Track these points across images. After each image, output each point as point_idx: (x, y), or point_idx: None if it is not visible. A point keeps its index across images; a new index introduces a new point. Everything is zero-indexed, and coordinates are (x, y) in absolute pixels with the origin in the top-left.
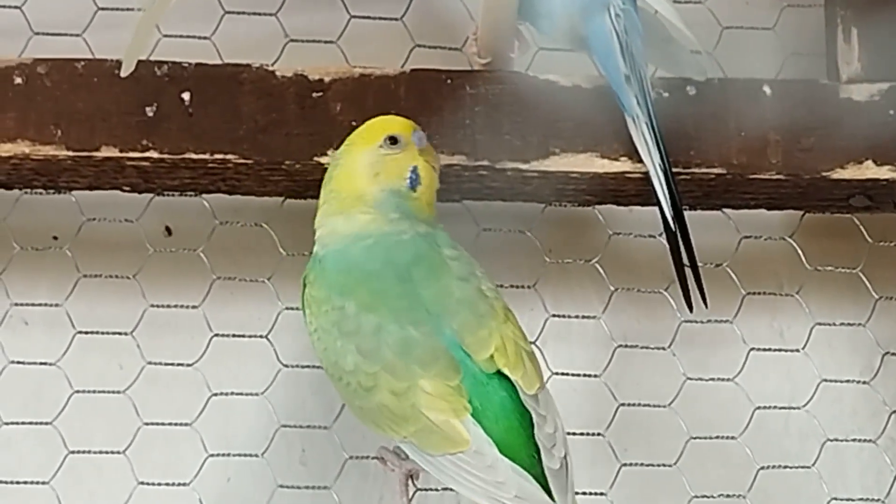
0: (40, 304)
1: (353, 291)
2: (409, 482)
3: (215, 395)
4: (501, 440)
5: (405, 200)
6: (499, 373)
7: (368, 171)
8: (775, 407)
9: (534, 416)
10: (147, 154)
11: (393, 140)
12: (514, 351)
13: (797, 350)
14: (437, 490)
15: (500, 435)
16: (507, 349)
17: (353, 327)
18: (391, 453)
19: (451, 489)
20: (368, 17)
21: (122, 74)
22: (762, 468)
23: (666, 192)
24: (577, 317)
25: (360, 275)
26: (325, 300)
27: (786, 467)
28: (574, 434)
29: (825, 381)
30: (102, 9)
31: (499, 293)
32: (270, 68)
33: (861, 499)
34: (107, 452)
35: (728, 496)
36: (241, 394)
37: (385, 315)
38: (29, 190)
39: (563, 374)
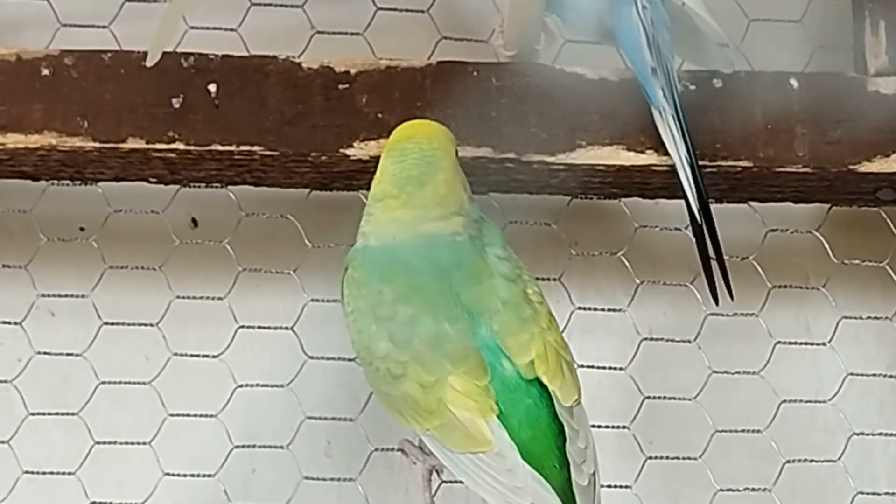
0: (67, 296)
1: (392, 280)
2: (433, 476)
3: (241, 386)
4: (525, 447)
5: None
6: (536, 380)
7: (460, 181)
8: (801, 400)
9: (567, 429)
10: (173, 145)
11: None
12: (555, 360)
13: (823, 343)
14: (462, 483)
15: (523, 441)
16: (549, 357)
17: (388, 313)
18: (415, 447)
19: None
20: (395, 9)
21: (148, 64)
22: (788, 462)
23: (692, 184)
24: (602, 309)
25: (401, 267)
26: (364, 283)
27: (812, 461)
28: (600, 427)
29: (851, 374)
30: (129, 0)
31: (544, 298)
32: (296, 60)
33: (887, 493)
34: (133, 443)
35: (754, 489)
36: (267, 385)
37: (420, 307)
38: (55, 181)
39: (588, 366)
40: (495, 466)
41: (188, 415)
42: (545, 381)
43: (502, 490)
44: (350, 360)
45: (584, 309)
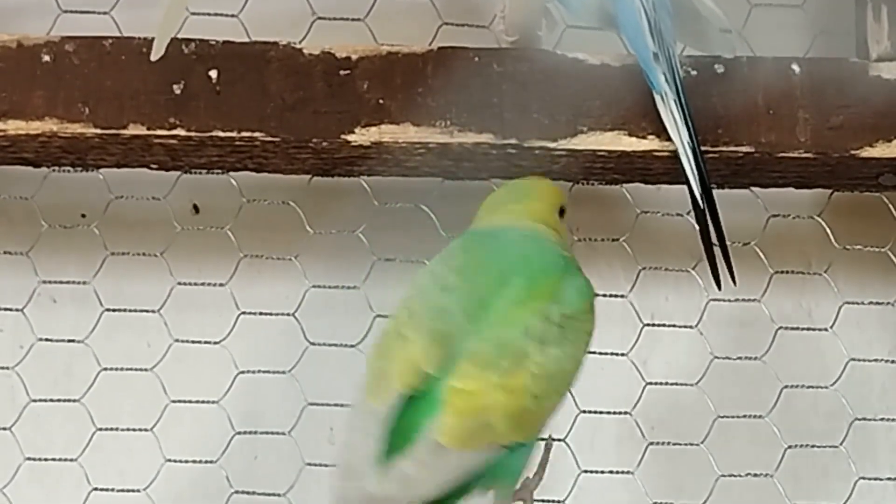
0: (68, 282)
1: (451, 258)
2: None
3: (242, 372)
4: (396, 442)
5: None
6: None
7: (551, 221)
8: (803, 386)
9: (410, 450)
10: (174, 132)
11: (562, 212)
12: (472, 421)
13: (825, 329)
14: None
15: (398, 438)
16: (459, 411)
17: (424, 288)
18: None
19: None
20: None
21: (153, 58)
22: (790, 447)
23: (694, 170)
24: (604, 295)
25: (470, 248)
26: (438, 259)
27: (814, 447)
28: (601, 413)
29: (853, 360)
30: None
31: (549, 356)
32: (298, 46)
33: (889, 478)
34: (134, 430)
35: (755, 475)
36: (269, 372)
37: (449, 292)
38: (57, 168)
39: (590, 352)
40: (356, 420)
41: (190, 401)
42: (436, 429)
43: (346, 442)
44: (352, 346)
45: None
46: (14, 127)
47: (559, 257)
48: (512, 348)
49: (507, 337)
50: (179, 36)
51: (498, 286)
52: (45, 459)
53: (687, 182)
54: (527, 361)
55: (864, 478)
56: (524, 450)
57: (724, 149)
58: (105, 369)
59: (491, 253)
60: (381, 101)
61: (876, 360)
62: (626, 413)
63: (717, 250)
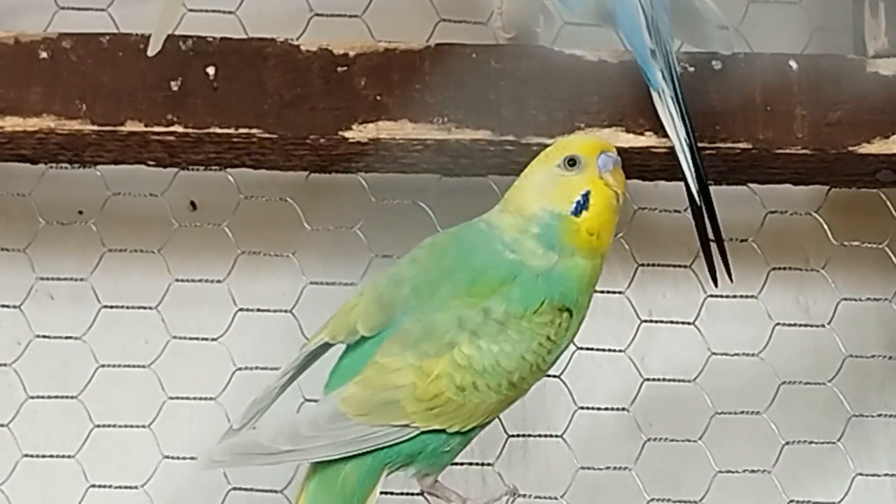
0: (66, 279)
1: (439, 237)
2: None
3: (240, 369)
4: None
5: (561, 224)
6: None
7: (537, 188)
8: (801, 382)
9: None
10: (172, 128)
11: (571, 161)
12: (376, 391)
13: (823, 325)
14: (462, 465)
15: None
16: (369, 384)
17: (400, 264)
18: (447, 489)
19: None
20: None
21: (150, 53)
22: (787, 443)
23: (691, 166)
24: (602, 291)
25: (433, 243)
26: (436, 235)
27: (811, 443)
28: (599, 409)
29: (851, 356)
30: None
31: (482, 349)
32: (295, 43)
33: (887, 474)
34: (132, 426)
35: (753, 471)
36: (266, 368)
37: (413, 264)
38: (54, 164)
39: (588, 349)
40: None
41: (188, 398)
42: (340, 386)
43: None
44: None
45: None
46: (11, 124)
47: (503, 260)
48: (438, 334)
49: (438, 322)
50: (177, 32)
51: (447, 275)
52: (43, 456)
53: (684, 178)
54: (452, 350)
55: (861, 474)
56: (447, 438)
57: (721, 145)
58: (103, 366)
59: (456, 242)
60: (378, 98)
61: (873, 357)
62: (623, 409)
63: (714, 247)
